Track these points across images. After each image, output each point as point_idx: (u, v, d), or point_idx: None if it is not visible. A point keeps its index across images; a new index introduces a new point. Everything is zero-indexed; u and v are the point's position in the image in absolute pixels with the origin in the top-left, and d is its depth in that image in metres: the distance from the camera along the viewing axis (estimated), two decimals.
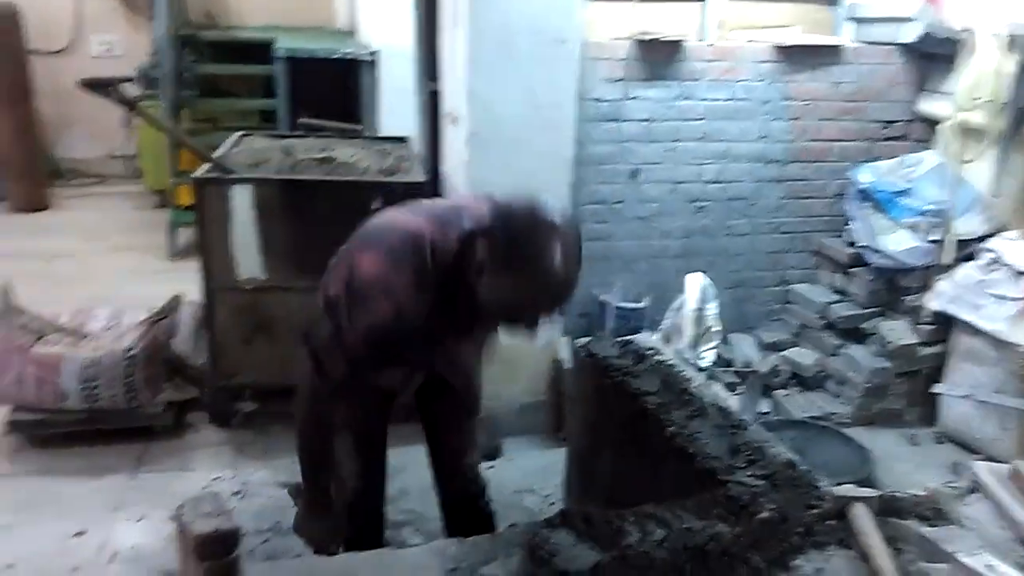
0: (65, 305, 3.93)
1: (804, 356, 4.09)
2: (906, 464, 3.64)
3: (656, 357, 2.43)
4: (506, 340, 2.24)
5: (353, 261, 1.88)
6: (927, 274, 3.81)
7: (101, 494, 3.08)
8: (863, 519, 1.69)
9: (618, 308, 3.85)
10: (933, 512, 1.81)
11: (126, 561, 2.74)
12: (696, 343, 3.88)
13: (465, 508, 2.47)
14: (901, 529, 1.74)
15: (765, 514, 1.70)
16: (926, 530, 1.65)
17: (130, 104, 3.14)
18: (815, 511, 1.76)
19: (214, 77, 6.26)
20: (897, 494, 1.78)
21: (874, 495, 1.76)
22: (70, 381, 3.23)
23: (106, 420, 3.36)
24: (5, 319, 3.32)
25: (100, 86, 2.88)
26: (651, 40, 3.69)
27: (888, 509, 1.76)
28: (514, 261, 1.74)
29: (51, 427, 3.33)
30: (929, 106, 4.05)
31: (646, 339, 2.60)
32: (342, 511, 2.27)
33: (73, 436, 3.34)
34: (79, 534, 2.84)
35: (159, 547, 2.79)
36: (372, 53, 5.61)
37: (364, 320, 1.84)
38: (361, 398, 2.15)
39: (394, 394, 2.24)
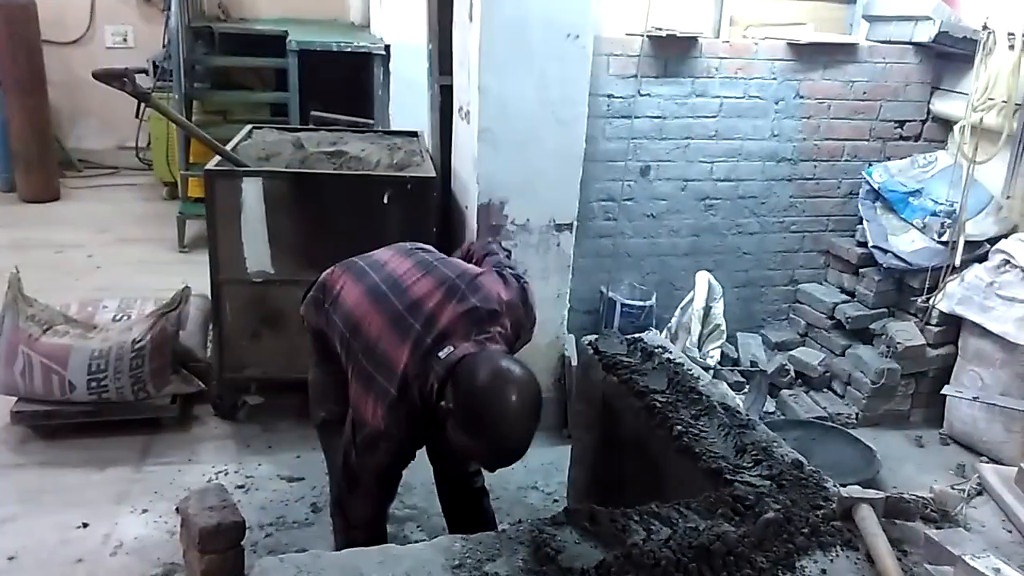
0: (74, 296, 3.95)
1: (811, 356, 4.08)
2: (911, 465, 3.64)
3: (664, 355, 2.42)
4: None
5: (357, 412, 2.10)
6: (937, 275, 3.79)
7: (106, 486, 3.09)
8: (869, 520, 1.68)
9: (625, 305, 3.85)
10: (939, 514, 1.80)
11: (130, 553, 2.74)
12: (702, 341, 3.87)
13: (465, 507, 2.53)
14: (907, 531, 1.73)
15: (771, 514, 1.69)
16: (932, 532, 1.64)
17: (143, 96, 3.14)
18: (821, 512, 1.75)
19: (226, 69, 6.27)
20: (904, 495, 1.76)
21: (880, 496, 1.74)
22: (78, 372, 3.24)
23: (112, 412, 3.36)
24: (13, 310, 3.32)
25: (113, 77, 2.88)
26: (665, 36, 3.67)
27: (894, 511, 1.75)
28: (472, 426, 1.90)
29: (57, 418, 3.33)
30: (943, 106, 4.02)
31: (654, 337, 2.60)
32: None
33: (79, 427, 3.35)
34: (83, 525, 2.84)
35: (163, 539, 2.80)
36: (385, 47, 5.60)
37: (371, 465, 2.12)
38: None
39: None
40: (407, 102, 5.33)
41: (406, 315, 2.09)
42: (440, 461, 2.54)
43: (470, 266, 2.32)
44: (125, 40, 7.13)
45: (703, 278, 3.87)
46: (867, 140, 4.09)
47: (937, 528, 1.73)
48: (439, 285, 2.14)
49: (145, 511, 2.95)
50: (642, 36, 3.67)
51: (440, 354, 1.99)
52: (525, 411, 1.90)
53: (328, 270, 2.42)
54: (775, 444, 2.01)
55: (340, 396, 2.24)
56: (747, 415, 2.15)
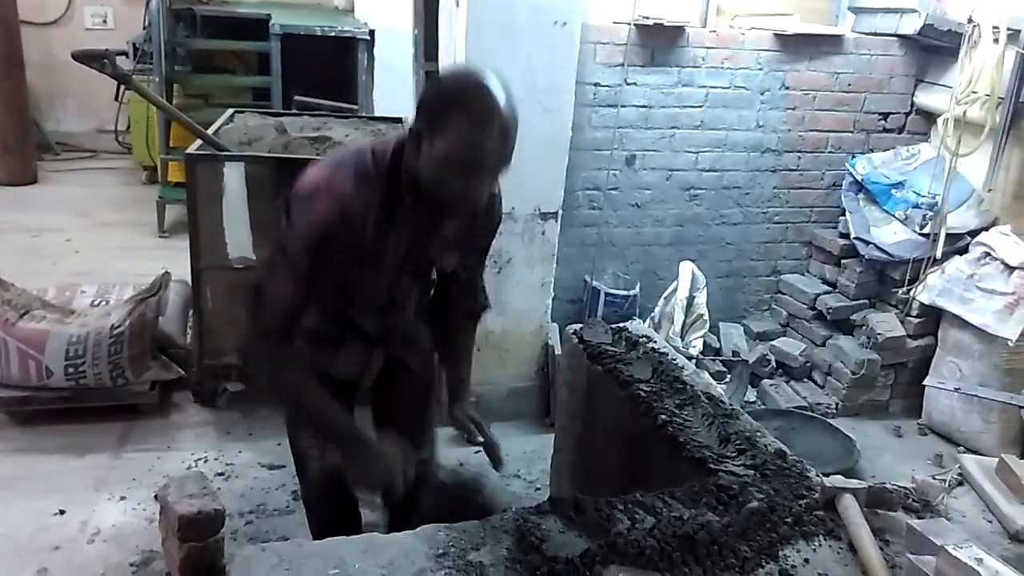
0: (51, 280, 3.89)
1: (792, 346, 4.10)
2: (890, 455, 3.67)
3: (648, 345, 2.42)
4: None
5: (295, 186, 1.79)
6: (918, 267, 3.81)
7: (83, 472, 3.05)
8: (852, 510, 1.69)
9: (609, 295, 3.84)
10: (921, 504, 1.82)
11: (108, 540, 2.71)
12: (685, 331, 3.88)
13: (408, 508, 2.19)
14: (889, 520, 1.74)
15: (754, 504, 1.69)
16: (914, 522, 1.65)
17: (123, 78, 3.09)
18: (804, 501, 1.76)
19: (208, 53, 6.20)
20: (886, 485, 1.77)
21: (863, 486, 1.75)
22: (55, 358, 3.19)
23: (90, 398, 3.32)
24: None
25: (92, 58, 2.82)
26: (652, 25, 3.66)
27: (876, 500, 1.76)
28: (445, 107, 1.67)
29: (34, 404, 3.29)
30: (927, 99, 4.04)
31: (638, 327, 2.59)
32: (314, 503, 2.23)
33: (56, 413, 3.31)
34: (60, 512, 2.81)
35: (141, 527, 2.78)
36: (369, 32, 5.55)
37: (308, 224, 1.72)
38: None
39: (354, 385, 2.15)
40: (391, 88, 5.30)
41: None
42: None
43: None
44: (105, 21, 7.04)
45: (687, 268, 3.88)
46: (851, 132, 4.11)
47: (919, 518, 1.74)
48: None
49: (123, 498, 2.92)
50: (629, 24, 3.65)
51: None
52: (502, 96, 1.66)
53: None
54: (759, 434, 2.01)
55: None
56: (731, 405, 2.15)
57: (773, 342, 4.17)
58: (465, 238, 2.00)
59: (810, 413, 3.77)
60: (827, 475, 1.86)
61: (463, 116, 1.64)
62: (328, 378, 1.97)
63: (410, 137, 1.73)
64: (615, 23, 3.67)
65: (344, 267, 1.83)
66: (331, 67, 5.82)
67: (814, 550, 1.63)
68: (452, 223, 1.90)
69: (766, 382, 4.02)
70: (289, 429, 2.19)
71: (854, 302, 4.00)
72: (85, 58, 2.83)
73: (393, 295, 2.01)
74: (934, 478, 1.97)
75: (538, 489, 3.18)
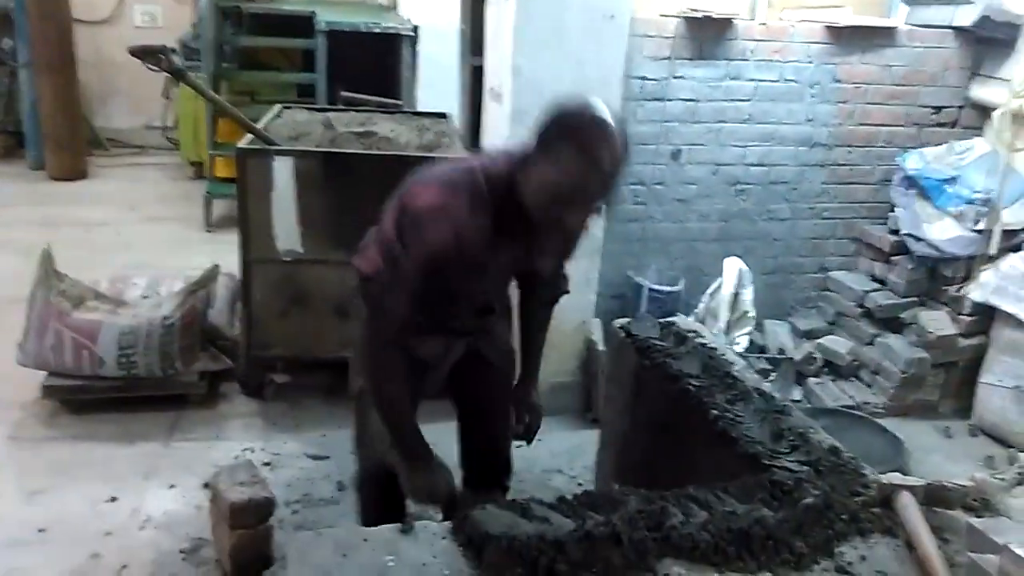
0: (103, 273, 3.97)
1: (839, 344, 4.03)
2: (939, 456, 3.60)
3: (697, 340, 2.40)
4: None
5: (405, 199, 1.86)
6: (971, 264, 3.73)
7: (134, 460, 3.11)
8: (910, 508, 1.65)
9: (652, 290, 3.81)
10: (980, 503, 1.77)
11: (158, 527, 2.76)
12: (730, 328, 3.84)
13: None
14: (947, 519, 1.70)
15: (809, 500, 1.67)
16: (974, 520, 1.61)
17: (178, 72, 3.13)
18: (860, 498, 1.72)
19: (254, 50, 6.27)
20: (944, 484, 1.73)
21: (920, 484, 1.72)
22: (107, 348, 3.26)
23: (141, 387, 3.38)
24: (45, 285, 3.34)
25: (149, 53, 2.87)
26: (701, 17, 3.61)
27: (934, 498, 1.72)
28: (559, 137, 1.73)
29: (87, 393, 3.36)
30: (982, 92, 3.94)
31: (687, 321, 2.57)
32: (370, 484, 2.28)
33: (108, 402, 3.37)
34: (112, 499, 2.87)
35: (190, 514, 2.82)
36: (413, 28, 5.58)
37: (423, 247, 1.81)
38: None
39: (427, 367, 2.20)
40: (434, 83, 5.32)
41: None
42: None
43: None
44: (154, 20, 7.17)
45: (732, 264, 3.83)
46: (903, 126, 4.02)
47: (978, 517, 1.70)
48: None
49: (173, 486, 2.97)
50: (677, 17, 3.62)
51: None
52: (618, 124, 1.74)
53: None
54: (811, 430, 1.98)
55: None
56: (782, 401, 2.12)
57: (820, 340, 4.10)
58: (564, 245, 2.15)
59: (857, 412, 3.71)
60: (884, 474, 1.82)
61: (574, 148, 1.71)
62: (407, 355, 2.02)
63: (525, 162, 1.80)
64: (662, 16, 3.64)
65: (453, 279, 1.94)
66: (374, 63, 5.85)
67: (871, 547, 1.60)
68: (556, 236, 2.01)
69: (812, 380, 3.96)
70: (361, 414, 2.25)
71: (904, 300, 3.92)
72: (142, 53, 2.88)
73: (491, 298, 2.16)
74: (993, 477, 1.92)
75: (580, 484, 3.17)
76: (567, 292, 2.34)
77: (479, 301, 2.13)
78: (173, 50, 3.23)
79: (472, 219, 1.81)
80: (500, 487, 2.42)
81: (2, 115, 6.75)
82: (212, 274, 3.54)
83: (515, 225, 1.87)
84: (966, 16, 3.74)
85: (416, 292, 1.87)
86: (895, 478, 1.74)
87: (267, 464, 3.14)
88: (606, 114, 1.73)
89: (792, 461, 1.84)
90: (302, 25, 5.73)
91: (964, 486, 1.80)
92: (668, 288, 3.85)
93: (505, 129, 3.25)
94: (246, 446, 3.25)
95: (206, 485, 2.80)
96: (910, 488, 1.71)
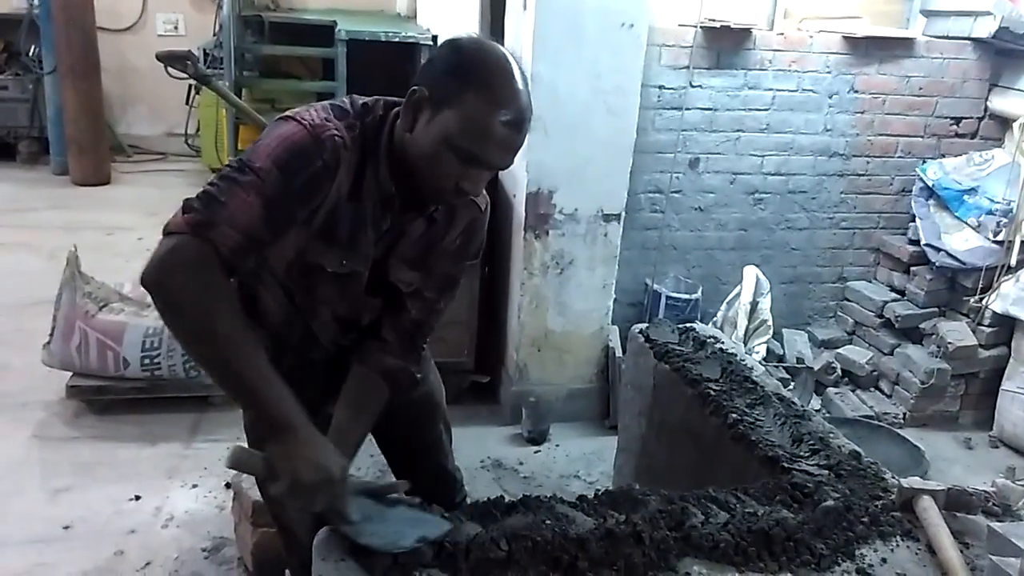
0: (125, 277, 4.01)
1: (858, 354, 4.04)
2: (959, 467, 3.60)
3: (716, 345, 2.41)
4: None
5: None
6: (991, 275, 3.73)
7: (157, 460, 3.15)
8: (931, 511, 1.66)
9: (670, 298, 3.83)
10: (1002, 508, 1.77)
11: (181, 526, 2.79)
12: (748, 337, 3.84)
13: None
14: (969, 524, 1.70)
15: (830, 502, 1.68)
16: (996, 525, 1.61)
17: (204, 78, 3.19)
18: (880, 502, 1.73)
19: (275, 58, 6.33)
20: (966, 488, 1.74)
21: (941, 488, 1.72)
22: (132, 349, 3.30)
23: (164, 389, 3.42)
24: (71, 286, 3.39)
25: (176, 59, 2.93)
26: (719, 27, 3.64)
27: (955, 503, 1.72)
28: (462, 78, 1.43)
29: (111, 393, 3.40)
30: (1001, 103, 3.95)
31: (705, 327, 2.58)
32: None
33: (132, 403, 3.41)
34: (136, 498, 2.90)
35: (212, 514, 2.85)
36: (432, 38, 5.62)
37: (275, 136, 1.45)
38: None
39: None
40: None
41: None
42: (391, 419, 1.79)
43: None
44: (176, 28, 7.25)
45: (751, 272, 3.84)
46: (922, 137, 4.03)
47: (999, 522, 1.70)
48: None
49: (195, 486, 3.00)
50: (695, 27, 3.65)
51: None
52: (525, 86, 1.46)
53: None
54: (831, 435, 1.99)
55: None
56: (802, 406, 2.13)
57: (839, 350, 4.10)
58: (431, 252, 1.69)
59: (876, 422, 3.71)
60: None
61: (482, 93, 1.41)
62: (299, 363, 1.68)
63: (408, 100, 1.48)
64: (681, 26, 3.66)
65: (311, 224, 1.52)
66: (393, 72, 5.89)
67: (892, 550, 1.60)
68: (421, 227, 1.64)
69: (831, 390, 3.96)
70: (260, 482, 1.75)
71: (923, 310, 3.92)
72: (169, 59, 2.94)
73: (358, 305, 1.71)
74: (1016, 483, 1.92)
75: (598, 490, 3.16)
76: (414, 384, 1.80)
77: (344, 305, 1.69)
78: (197, 58, 3.28)
79: (334, 126, 1.46)
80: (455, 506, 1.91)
81: (27, 121, 6.83)
82: None
83: (383, 188, 1.53)
84: (985, 27, 3.75)
85: (272, 207, 1.40)
86: (916, 482, 1.74)
87: None
88: (517, 62, 1.47)
89: (812, 465, 1.85)
90: (322, 34, 5.79)
91: (985, 491, 1.81)
92: (686, 296, 3.86)
93: None
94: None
95: (228, 485, 2.84)
96: (931, 492, 1.71)
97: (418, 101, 1.46)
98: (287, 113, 1.50)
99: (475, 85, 1.42)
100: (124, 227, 5.58)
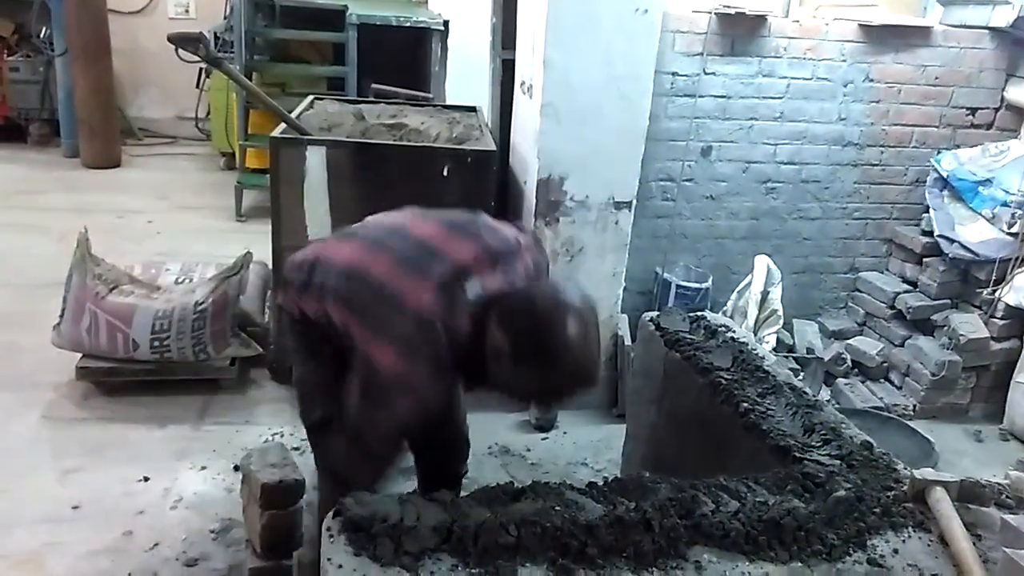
0: (135, 260, 4.02)
1: (869, 345, 4.01)
2: (969, 460, 3.58)
3: (728, 334, 2.40)
4: None
5: (368, 359, 1.81)
6: (1005, 267, 3.69)
7: (166, 442, 3.16)
8: (943, 503, 1.65)
9: (680, 287, 3.81)
10: (1015, 500, 1.76)
11: (189, 507, 2.80)
12: (758, 326, 3.82)
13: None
14: (981, 516, 1.69)
15: (841, 492, 1.67)
16: (1009, 517, 1.60)
17: (216, 61, 3.17)
18: (892, 493, 1.72)
19: (285, 42, 6.32)
20: (979, 480, 1.72)
21: (954, 480, 1.71)
22: (141, 331, 3.30)
23: (173, 371, 3.43)
24: (81, 268, 3.39)
25: (188, 41, 2.90)
26: (733, 14, 3.60)
27: (968, 495, 1.71)
28: (539, 352, 1.69)
29: (120, 375, 3.41)
30: (1018, 93, 3.90)
31: (716, 316, 2.57)
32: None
33: (141, 385, 3.42)
34: (144, 479, 2.92)
35: (221, 496, 2.87)
36: (443, 23, 5.60)
37: (389, 421, 1.84)
38: None
39: None
40: (464, 77, 5.32)
41: (415, 253, 1.85)
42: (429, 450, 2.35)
43: (472, 212, 2.10)
44: (187, 11, 7.25)
45: (762, 262, 3.82)
46: (937, 127, 3.99)
47: (1012, 515, 1.69)
48: (445, 226, 1.94)
49: (204, 468, 3.01)
50: (710, 13, 3.62)
51: (468, 291, 1.78)
52: (591, 335, 1.72)
53: (293, 256, 2.21)
54: (843, 425, 1.98)
55: (337, 392, 1.97)
56: (814, 396, 2.12)
57: (849, 341, 4.08)
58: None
59: (886, 414, 3.69)
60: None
61: (552, 365, 1.68)
62: None
63: (496, 354, 1.72)
64: (695, 12, 3.63)
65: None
66: (403, 57, 5.88)
67: (903, 541, 1.60)
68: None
69: (841, 381, 3.94)
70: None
71: (935, 302, 3.89)
72: (181, 41, 2.91)
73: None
74: None
75: (605, 478, 3.15)
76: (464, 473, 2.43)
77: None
78: (209, 40, 3.26)
79: (436, 386, 1.82)
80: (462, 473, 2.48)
81: (38, 103, 6.84)
82: (245, 261, 3.57)
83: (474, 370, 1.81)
84: (1003, 17, 3.71)
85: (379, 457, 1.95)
86: (928, 473, 1.73)
87: (295, 449, 3.14)
88: (581, 308, 1.71)
89: (824, 455, 1.84)
90: (333, 18, 5.76)
91: (999, 484, 1.79)
92: (696, 285, 3.84)
93: (536, 122, 3.25)
94: (275, 431, 3.28)
95: (237, 468, 2.84)
96: (944, 484, 1.70)
97: (498, 352, 1.73)
98: (400, 373, 1.79)
99: (549, 360, 1.70)
100: (134, 210, 5.60)
